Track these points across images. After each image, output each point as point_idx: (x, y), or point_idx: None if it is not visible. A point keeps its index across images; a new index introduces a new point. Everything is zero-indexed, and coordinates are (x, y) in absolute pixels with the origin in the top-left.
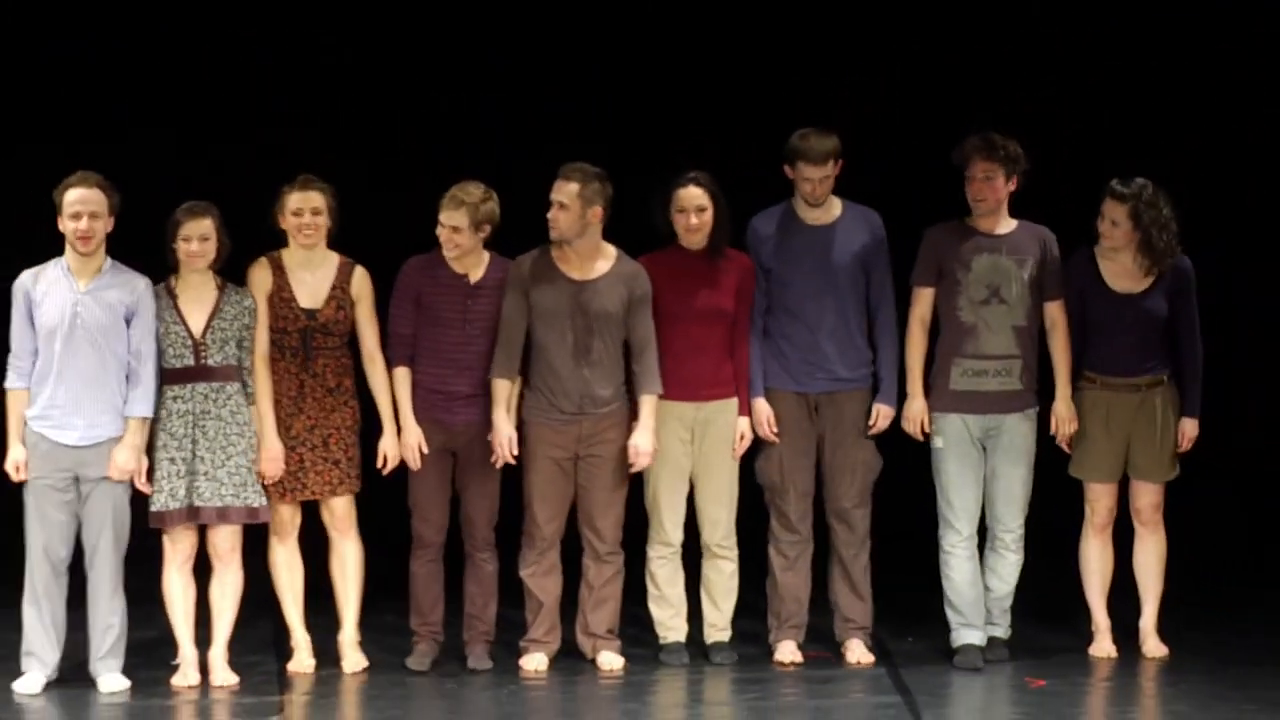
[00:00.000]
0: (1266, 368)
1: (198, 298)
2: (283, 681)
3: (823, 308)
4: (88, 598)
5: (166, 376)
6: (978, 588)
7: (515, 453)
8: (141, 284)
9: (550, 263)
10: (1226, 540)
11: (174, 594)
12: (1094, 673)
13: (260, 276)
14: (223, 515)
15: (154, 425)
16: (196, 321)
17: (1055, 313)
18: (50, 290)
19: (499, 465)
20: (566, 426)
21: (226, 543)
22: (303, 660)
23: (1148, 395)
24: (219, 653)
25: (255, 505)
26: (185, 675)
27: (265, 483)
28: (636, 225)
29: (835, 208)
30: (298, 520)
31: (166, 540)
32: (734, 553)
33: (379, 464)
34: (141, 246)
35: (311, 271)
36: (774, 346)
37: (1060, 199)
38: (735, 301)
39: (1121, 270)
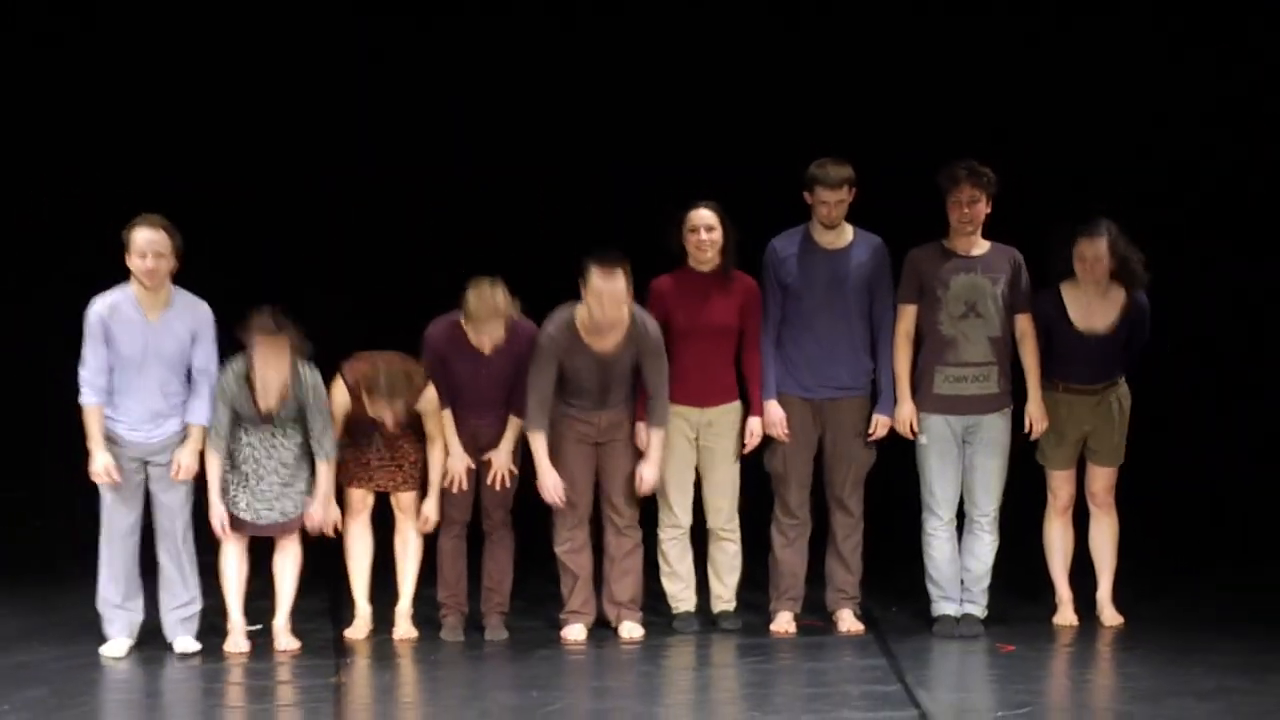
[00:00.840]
0: (1212, 361)
1: (266, 377)
2: (339, 647)
3: (833, 322)
4: (163, 575)
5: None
6: (955, 565)
7: (561, 496)
8: (203, 309)
9: (576, 337)
10: (1176, 521)
11: (229, 570)
12: (1057, 639)
13: (340, 397)
14: (265, 530)
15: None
16: (267, 399)
17: (1024, 324)
18: (124, 323)
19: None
20: (588, 415)
21: None
22: (360, 628)
23: (1104, 395)
24: (282, 621)
25: (285, 520)
26: (235, 642)
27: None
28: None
29: (847, 233)
30: (369, 501)
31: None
32: (737, 535)
33: (420, 524)
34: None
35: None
36: (786, 356)
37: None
38: (740, 318)
39: (1085, 309)
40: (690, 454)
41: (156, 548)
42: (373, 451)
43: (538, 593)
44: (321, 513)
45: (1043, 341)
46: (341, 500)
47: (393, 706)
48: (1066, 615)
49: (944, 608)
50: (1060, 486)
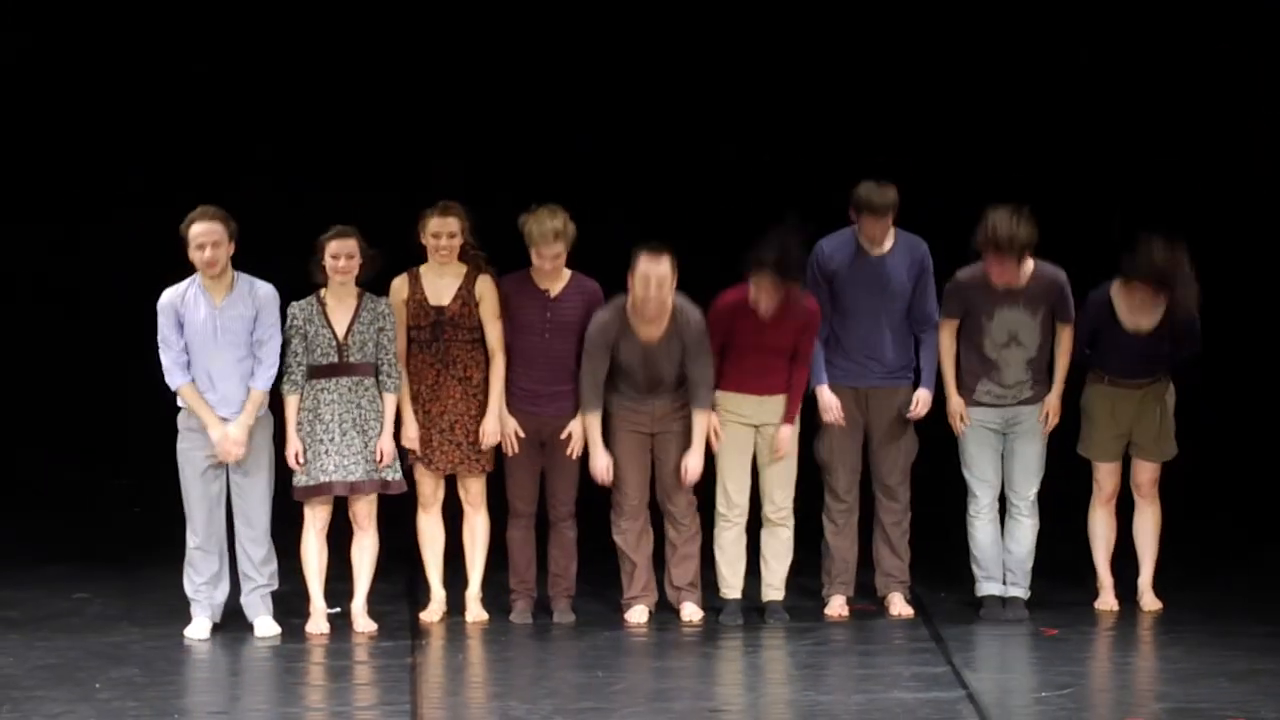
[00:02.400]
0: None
1: (341, 305)
2: (415, 629)
3: (876, 319)
4: (242, 557)
5: (315, 372)
6: (997, 547)
7: (610, 478)
8: (263, 290)
9: (625, 323)
10: (1217, 512)
11: (310, 555)
12: (1099, 623)
13: (399, 285)
14: (355, 488)
15: (302, 413)
16: (340, 326)
17: (1062, 332)
18: (194, 311)
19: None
20: (642, 406)
21: (364, 511)
22: (435, 612)
23: (1149, 390)
24: (360, 604)
25: (388, 479)
26: (316, 624)
27: (397, 459)
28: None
29: (891, 236)
30: (440, 494)
31: (307, 510)
32: (790, 522)
33: (480, 437)
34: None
35: (442, 277)
36: (833, 348)
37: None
38: (795, 338)
39: (1135, 312)
40: (748, 442)
41: (235, 530)
42: (438, 391)
43: (602, 578)
44: (389, 444)
45: (1087, 335)
46: (414, 491)
47: (465, 686)
48: (1108, 600)
49: (988, 588)
50: (1105, 479)
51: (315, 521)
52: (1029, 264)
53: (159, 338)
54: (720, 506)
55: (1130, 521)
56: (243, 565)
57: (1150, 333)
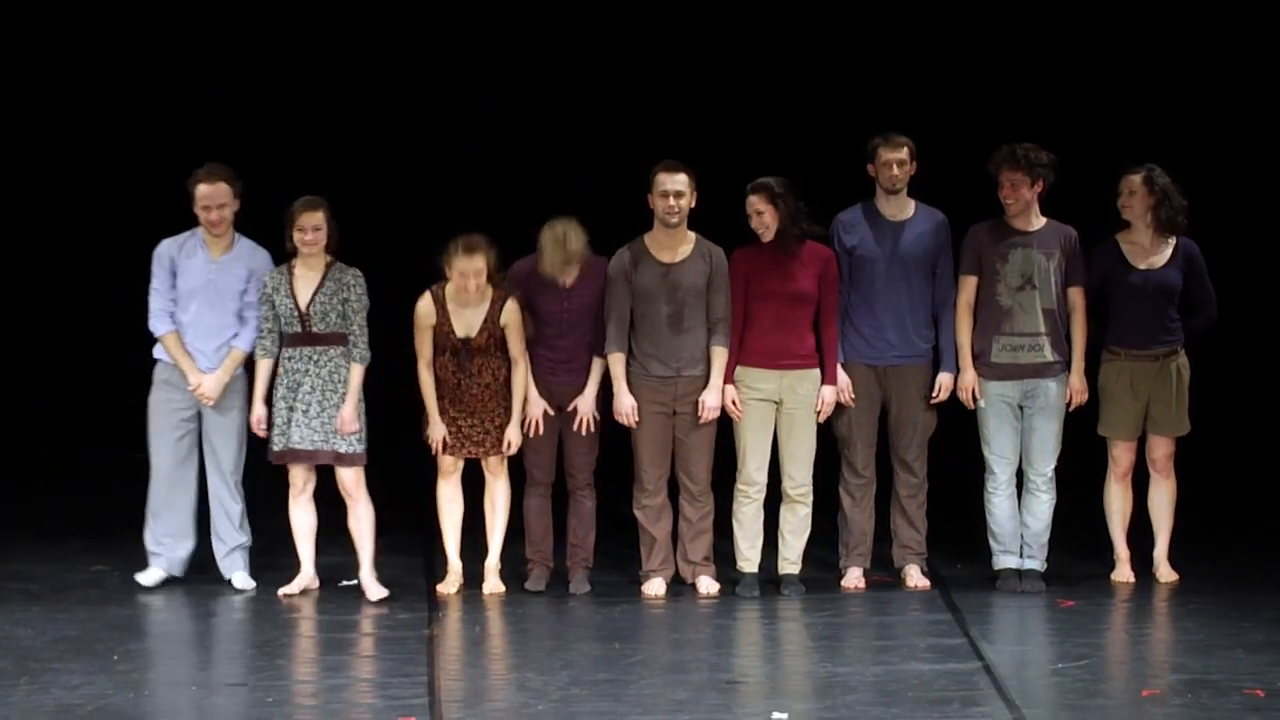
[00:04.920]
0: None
1: (307, 275)
2: (432, 600)
3: (894, 291)
4: (220, 516)
5: (285, 340)
6: (1015, 521)
7: (636, 419)
8: (261, 255)
9: (644, 250)
10: (1233, 486)
11: (294, 521)
12: (1115, 595)
13: (425, 310)
14: (310, 456)
15: (273, 379)
16: (303, 296)
17: (1076, 297)
18: (189, 260)
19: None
20: (664, 386)
21: (351, 480)
22: (452, 583)
23: (1165, 363)
24: (367, 573)
25: (342, 451)
26: (299, 583)
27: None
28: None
29: (909, 206)
30: (460, 464)
31: (293, 475)
32: (809, 499)
33: (504, 449)
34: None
35: (467, 306)
36: (850, 323)
37: (1081, 199)
38: (818, 286)
39: (1140, 250)
40: (769, 417)
41: (211, 489)
42: (461, 393)
43: (619, 549)
44: (351, 414)
45: (1098, 282)
46: (433, 456)
47: (483, 656)
48: (1124, 573)
49: (1004, 561)
50: (1121, 455)
51: (293, 489)
52: (1041, 217)
53: (151, 284)
54: (740, 482)
55: (1145, 496)
56: (220, 525)
57: (1161, 273)
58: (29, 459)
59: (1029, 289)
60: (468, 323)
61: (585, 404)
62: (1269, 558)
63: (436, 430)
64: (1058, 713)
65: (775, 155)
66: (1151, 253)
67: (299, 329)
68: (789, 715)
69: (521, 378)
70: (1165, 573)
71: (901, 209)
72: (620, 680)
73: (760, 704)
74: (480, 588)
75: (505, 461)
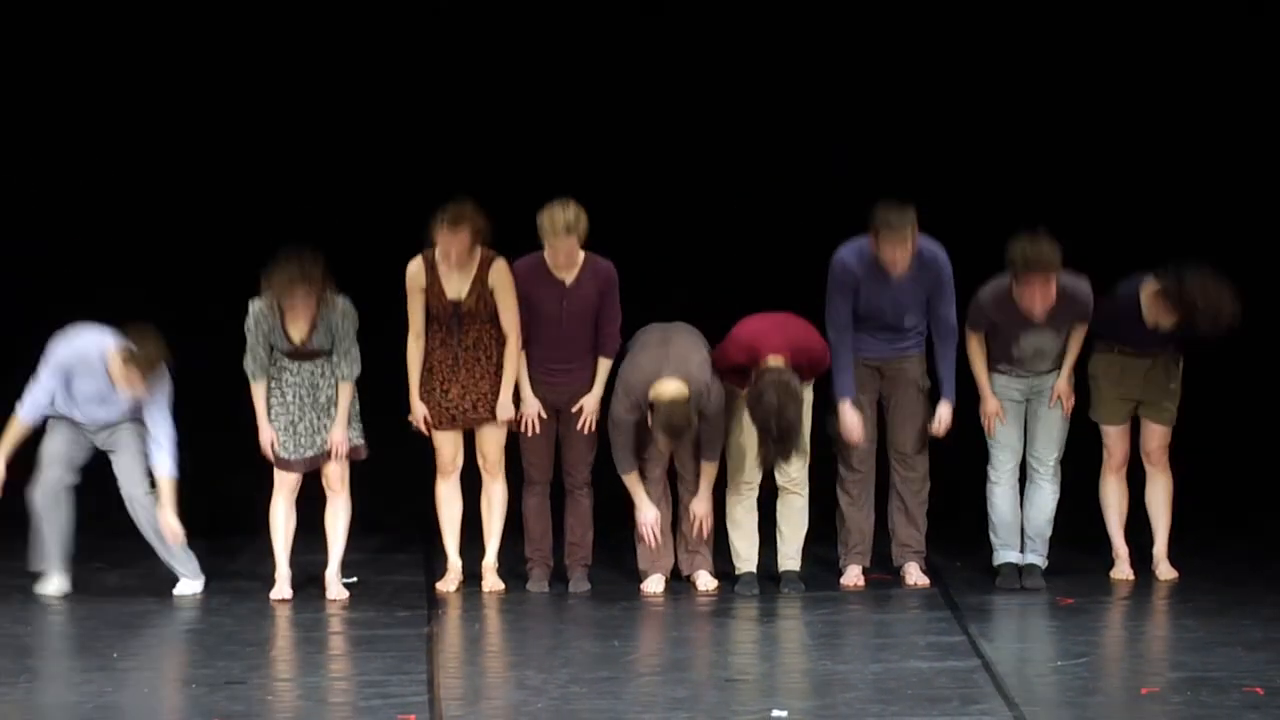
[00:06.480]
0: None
1: (298, 319)
2: (431, 599)
3: (897, 321)
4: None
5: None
6: (1016, 515)
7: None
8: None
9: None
10: (1232, 482)
11: (277, 519)
12: (1115, 593)
13: (415, 272)
14: (313, 462)
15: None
16: (297, 334)
17: (1079, 327)
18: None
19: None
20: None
21: (336, 475)
22: (452, 581)
23: (1157, 358)
24: (334, 571)
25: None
26: (280, 590)
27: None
28: None
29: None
30: (459, 461)
31: (277, 474)
32: (804, 490)
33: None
34: None
35: (455, 269)
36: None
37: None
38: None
39: (1162, 315)
40: None
41: (151, 543)
42: (456, 365)
43: (618, 547)
44: (340, 434)
45: (1110, 319)
46: (433, 455)
47: (481, 655)
48: (1123, 570)
49: (1005, 555)
50: (1115, 444)
51: (283, 488)
52: (1053, 286)
53: (42, 380)
54: (740, 481)
55: (1143, 491)
56: (173, 566)
57: (1170, 329)
58: (29, 459)
59: (1039, 357)
60: (457, 285)
61: (591, 403)
62: (1270, 555)
63: (418, 409)
64: (1057, 710)
65: (776, 156)
66: (1171, 317)
67: (293, 349)
68: (788, 713)
69: (513, 350)
70: (1165, 570)
71: (903, 262)
72: (619, 678)
73: (759, 702)
74: (479, 585)
75: (503, 461)
